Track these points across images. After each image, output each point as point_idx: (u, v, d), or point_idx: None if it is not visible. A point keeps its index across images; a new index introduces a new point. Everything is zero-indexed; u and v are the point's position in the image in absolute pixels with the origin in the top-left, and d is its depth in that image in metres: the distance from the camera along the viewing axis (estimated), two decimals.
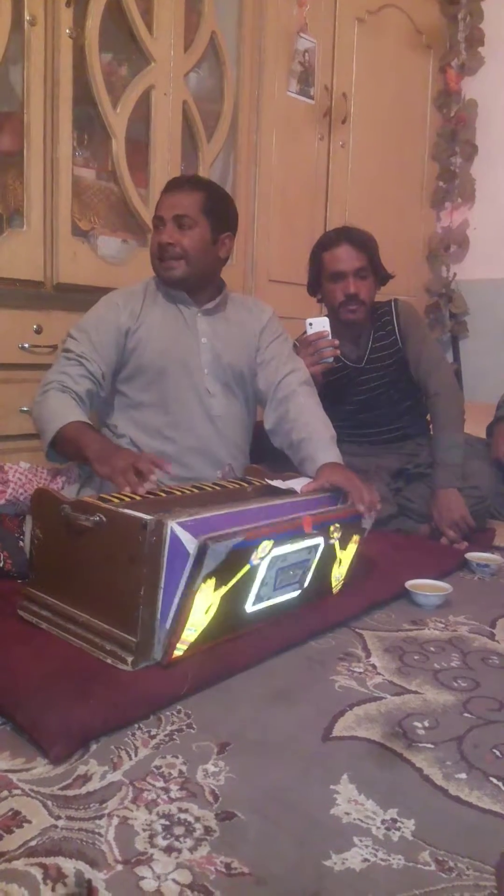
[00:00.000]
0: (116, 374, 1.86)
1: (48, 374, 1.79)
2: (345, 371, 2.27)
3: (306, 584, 1.53)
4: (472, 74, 3.50)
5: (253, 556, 1.32)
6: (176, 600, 1.23)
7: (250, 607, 1.40)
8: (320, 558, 1.53)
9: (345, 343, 2.25)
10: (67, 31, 2.03)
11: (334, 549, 1.57)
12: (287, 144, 2.79)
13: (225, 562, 1.25)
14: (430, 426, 2.33)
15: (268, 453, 2.01)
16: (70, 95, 2.06)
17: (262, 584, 1.39)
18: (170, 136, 2.36)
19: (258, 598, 1.40)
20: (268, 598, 1.43)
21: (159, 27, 2.29)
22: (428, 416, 2.36)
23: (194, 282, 1.86)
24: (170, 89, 2.34)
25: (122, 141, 2.23)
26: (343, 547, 1.60)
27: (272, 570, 1.39)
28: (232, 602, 1.34)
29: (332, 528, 1.52)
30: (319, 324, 2.06)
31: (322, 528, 1.48)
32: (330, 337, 2.04)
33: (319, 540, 1.48)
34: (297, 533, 1.41)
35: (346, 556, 1.63)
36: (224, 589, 1.29)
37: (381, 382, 2.30)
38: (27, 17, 1.95)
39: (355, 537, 1.64)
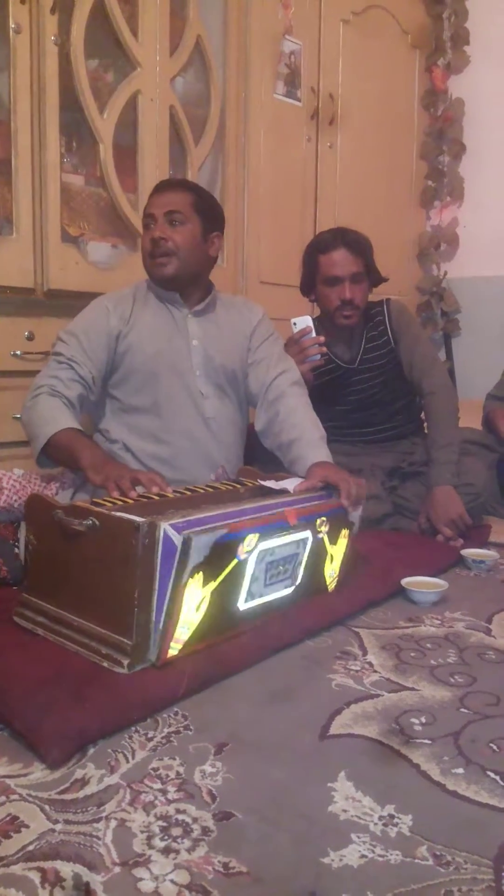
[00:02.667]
0: (107, 379, 1.86)
1: (38, 378, 1.79)
2: (338, 372, 2.28)
3: (299, 581, 1.53)
4: (459, 73, 3.51)
5: (239, 550, 1.32)
6: (166, 598, 1.23)
7: (243, 605, 1.40)
8: (310, 553, 1.53)
9: (338, 344, 2.26)
10: (53, 38, 2.03)
11: (324, 544, 1.57)
12: (275, 147, 2.80)
13: (211, 555, 1.25)
14: (425, 424, 2.34)
15: (258, 454, 2.02)
16: (57, 102, 2.07)
17: (253, 579, 1.39)
18: (157, 140, 2.36)
19: (250, 595, 1.40)
20: (260, 595, 1.44)
21: (144, 32, 2.29)
22: (422, 415, 2.36)
23: (185, 280, 1.86)
24: (156, 94, 2.34)
25: (110, 146, 2.24)
26: (333, 542, 1.60)
27: (261, 564, 1.40)
28: (223, 599, 1.34)
29: (318, 522, 1.52)
30: (303, 322, 2.06)
31: (308, 522, 1.49)
32: (314, 334, 2.05)
33: (307, 534, 1.49)
34: (281, 525, 1.42)
35: (337, 552, 1.63)
36: (213, 584, 1.29)
37: (375, 382, 2.30)
38: (12, 25, 1.96)
39: (344, 531, 1.64)
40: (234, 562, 1.33)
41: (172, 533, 1.23)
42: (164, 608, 1.24)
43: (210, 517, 1.33)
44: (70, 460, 1.64)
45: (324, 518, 1.54)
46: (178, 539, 1.22)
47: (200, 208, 1.84)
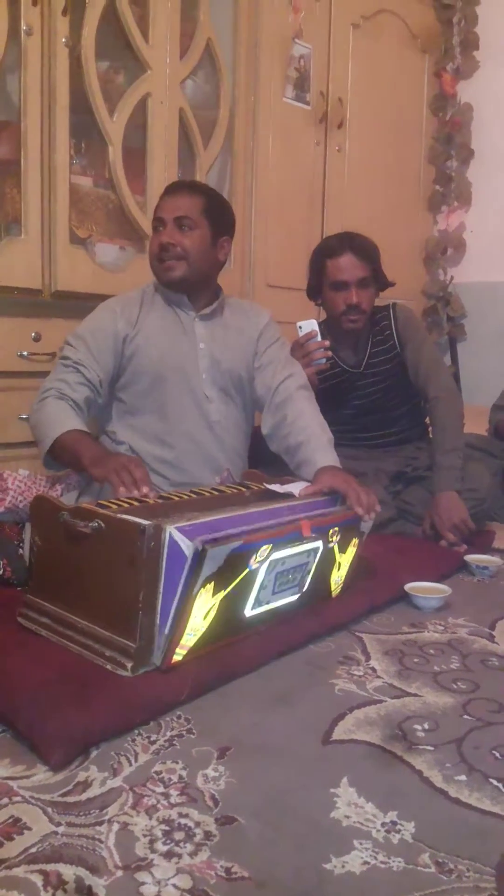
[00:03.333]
0: (114, 381, 1.86)
1: (46, 382, 1.79)
2: (343, 376, 2.28)
3: (305, 588, 1.53)
4: (468, 78, 3.51)
5: (251, 560, 1.32)
6: (174, 605, 1.23)
7: (249, 611, 1.40)
8: (319, 562, 1.53)
9: (343, 348, 2.26)
10: (64, 40, 2.03)
11: (333, 553, 1.57)
12: (284, 150, 2.80)
13: (223, 566, 1.25)
14: (429, 429, 2.34)
15: (264, 458, 2.02)
16: (67, 104, 2.07)
17: (261, 587, 1.39)
18: (166, 143, 2.37)
19: (257, 602, 1.40)
20: (267, 602, 1.44)
21: (155, 35, 2.30)
22: (427, 420, 2.36)
23: (193, 283, 1.86)
24: (166, 97, 2.34)
25: (119, 148, 2.24)
26: (342, 550, 1.60)
27: (271, 573, 1.39)
28: (231, 606, 1.34)
29: (331, 532, 1.52)
30: (308, 325, 2.06)
31: (321, 532, 1.49)
32: (319, 338, 2.05)
33: (318, 544, 1.49)
34: (295, 536, 1.42)
35: (345, 560, 1.63)
36: (223, 593, 1.29)
37: (380, 387, 2.30)
38: (24, 27, 1.96)
39: (354, 540, 1.64)
40: (246, 571, 1.33)
41: (178, 536, 1.23)
42: (172, 615, 1.24)
43: (217, 521, 1.33)
44: (73, 461, 1.65)
45: (336, 528, 1.54)
46: (184, 543, 1.22)
47: (210, 213, 1.83)
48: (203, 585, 1.23)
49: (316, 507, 1.58)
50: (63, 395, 1.75)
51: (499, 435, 2.58)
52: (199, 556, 1.20)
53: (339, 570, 1.63)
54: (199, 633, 1.29)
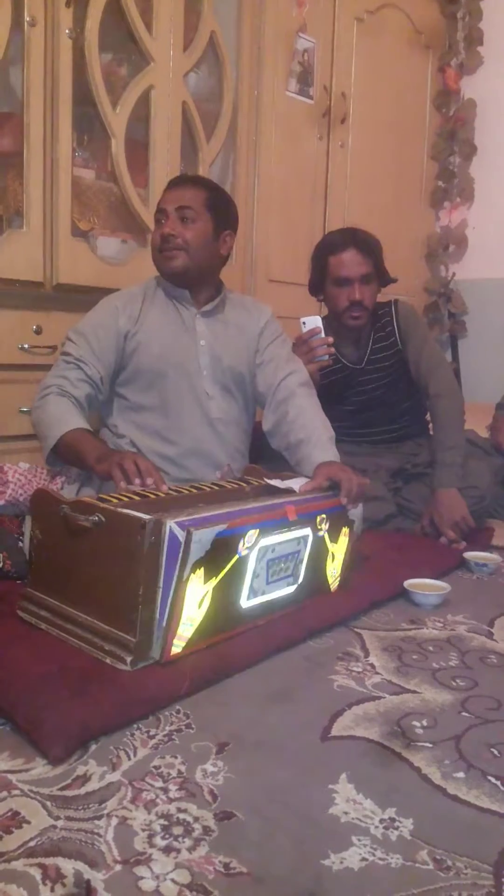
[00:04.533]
0: (115, 377, 1.86)
1: (47, 378, 1.79)
2: (345, 372, 2.28)
3: (301, 580, 1.54)
4: (471, 74, 3.50)
5: (240, 546, 1.33)
6: (169, 593, 1.23)
7: (245, 602, 1.40)
8: (311, 551, 1.53)
9: (345, 344, 2.26)
10: (67, 31, 2.03)
11: (325, 542, 1.58)
12: (286, 144, 2.79)
13: (212, 551, 1.26)
14: (430, 426, 2.34)
15: (264, 454, 2.02)
16: (70, 96, 2.06)
17: (254, 576, 1.39)
18: (169, 136, 2.36)
19: (252, 592, 1.41)
20: (262, 593, 1.44)
21: (159, 27, 2.29)
22: (428, 416, 2.36)
23: (194, 276, 1.85)
24: (169, 89, 2.34)
25: (122, 141, 2.23)
26: (334, 540, 1.61)
27: (262, 561, 1.40)
28: (226, 596, 1.34)
29: (318, 519, 1.53)
30: (312, 322, 2.06)
31: (308, 519, 1.49)
32: (323, 335, 2.04)
33: (307, 531, 1.49)
34: (281, 522, 1.42)
35: (338, 550, 1.64)
36: (214, 580, 1.30)
37: (381, 383, 2.30)
38: (27, 18, 1.95)
39: (345, 529, 1.64)
40: (235, 558, 1.33)
41: (178, 531, 1.23)
42: (168, 603, 1.24)
43: (215, 515, 1.33)
44: (78, 459, 1.65)
45: (323, 515, 1.55)
46: (182, 536, 1.22)
47: (213, 206, 1.83)
48: (193, 570, 1.23)
49: (315, 502, 1.58)
50: (64, 392, 1.74)
51: (499, 450, 2.54)
52: (186, 540, 1.21)
53: (333, 561, 1.63)
54: (196, 623, 1.29)
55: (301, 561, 1.52)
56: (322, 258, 2.19)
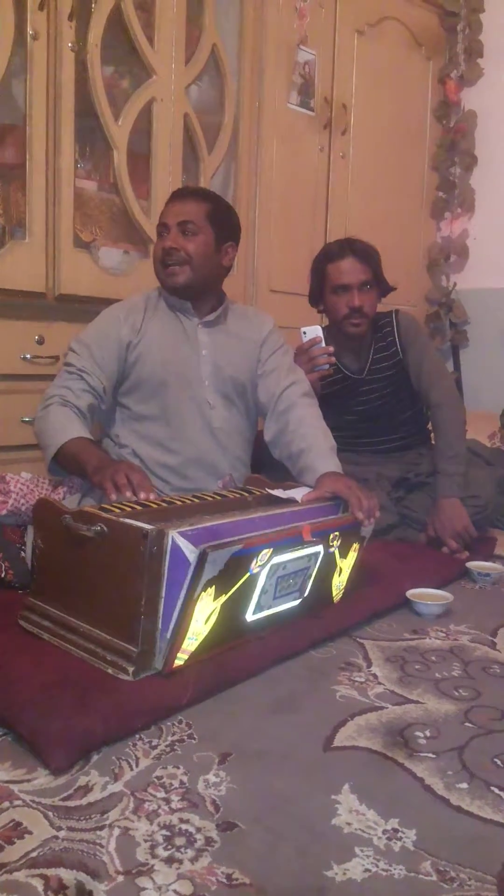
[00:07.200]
0: (118, 387, 1.86)
1: (50, 389, 1.79)
2: (346, 382, 2.28)
3: (307, 593, 1.53)
4: (472, 85, 3.52)
5: (252, 565, 1.32)
6: (177, 609, 1.23)
7: (250, 616, 1.40)
8: (320, 567, 1.53)
9: (346, 354, 2.26)
10: (70, 44, 2.04)
11: (334, 558, 1.57)
12: (288, 156, 2.81)
13: (225, 570, 1.25)
14: (432, 435, 2.34)
15: (265, 464, 2.02)
16: (72, 108, 2.08)
17: (262, 592, 1.39)
18: (171, 147, 2.37)
19: (258, 607, 1.40)
20: (268, 607, 1.43)
21: (161, 40, 2.31)
22: (429, 426, 2.36)
23: (197, 289, 1.86)
24: (171, 101, 2.35)
25: (124, 153, 2.25)
26: (343, 556, 1.60)
27: (272, 578, 1.39)
28: (232, 610, 1.34)
29: (331, 537, 1.52)
30: (312, 331, 2.06)
31: (322, 537, 1.49)
32: (324, 344, 2.05)
33: (319, 548, 1.49)
34: (296, 541, 1.42)
35: (346, 565, 1.63)
36: (224, 597, 1.29)
37: (382, 393, 2.30)
38: (30, 32, 1.97)
39: (355, 545, 1.64)
40: (247, 575, 1.33)
41: (181, 541, 1.23)
42: (174, 619, 1.24)
43: (219, 526, 1.33)
44: (78, 469, 1.65)
45: (337, 533, 1.54)
46: (186, 548, 1.22)
47: (215, 218, 1.83)
48: (204, 589, 1.23)
49: (318, 513, 1.58)
50: (67, 402, 1.75)
51: None
52: (200, 559, 1.20)
53: (339, 575, 1.63)
54: (201, 638, 1.28)
55: (309, 577, 1.52)
56: (321, 267, 2.20)
